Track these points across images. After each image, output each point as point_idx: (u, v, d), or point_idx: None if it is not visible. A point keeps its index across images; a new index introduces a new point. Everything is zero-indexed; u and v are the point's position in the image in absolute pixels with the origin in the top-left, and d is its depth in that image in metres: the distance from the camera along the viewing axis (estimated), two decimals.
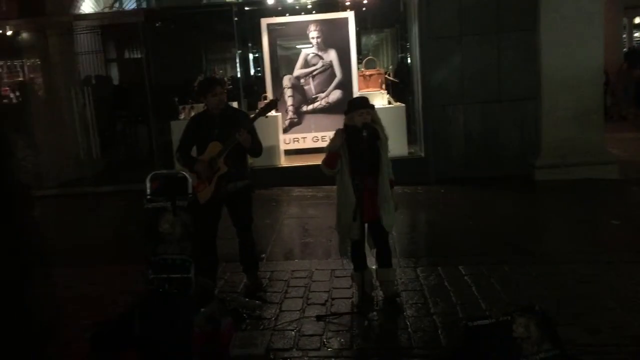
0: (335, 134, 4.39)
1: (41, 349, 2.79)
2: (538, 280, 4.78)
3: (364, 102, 4.43)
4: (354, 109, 4.34)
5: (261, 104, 9.06)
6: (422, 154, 8.82)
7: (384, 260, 4.52)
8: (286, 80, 9.37)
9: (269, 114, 4.85)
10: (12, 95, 12.01)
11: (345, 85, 9.29)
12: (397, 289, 4.61)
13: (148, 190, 4.16)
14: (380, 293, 4.60)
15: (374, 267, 4.72)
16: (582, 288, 4.57)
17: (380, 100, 8.93)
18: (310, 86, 9.36)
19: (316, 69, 9.30)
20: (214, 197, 4.62)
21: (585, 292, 4.49)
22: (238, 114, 4.91)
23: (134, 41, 11.78)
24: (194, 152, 4.81)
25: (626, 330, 3.86)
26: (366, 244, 4.56)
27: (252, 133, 4.66)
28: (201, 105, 9.08)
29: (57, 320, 3.28)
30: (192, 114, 8.83)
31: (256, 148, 4.72)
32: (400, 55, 11.40)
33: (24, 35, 10.21)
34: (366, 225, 4.46)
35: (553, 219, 6.92)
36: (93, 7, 11.44)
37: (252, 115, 4.78)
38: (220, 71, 15.54)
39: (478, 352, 3.23)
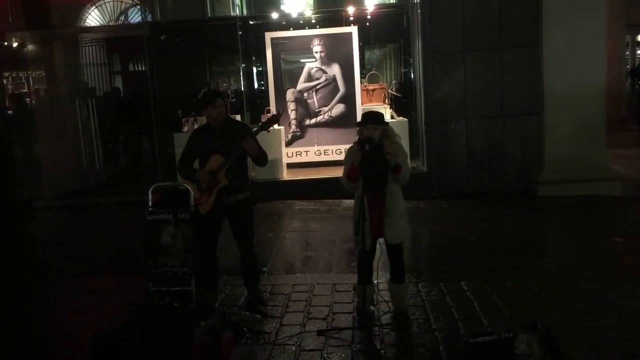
0: (352, 147, 4.40)
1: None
2: (540, 296, 4.75)
3: (371, 117, 4.42)
4: (362, 123, 4.35)
5: (264, 118, 9.09)
6: (425, 169, 8.82)
7: (395, 275, 4.51)
8: (289, 94, 9.41)
9: (271, 128, 4.87)
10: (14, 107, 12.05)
11: (349, 99, 9.33)
12: (406, 305, 4.57)
13: (150, 203, 4.16)
14: (381, 308, 4.58)
15: (375, 281, 4.71)
16: (584, 305, 4.54)
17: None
18: (314, 100, 9.40)
19: (319, 83, 9.35)
20: (213, 209, 4.62)
21: (588, 309, 4.46)
22: (239, 127, 4.92)
23: (138, 54, 11.87)
24: (196, 165, 4.81)
25: (629, 348, 3.83)
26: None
27: (256, 142, 4.69)
28: (204, 118, 9.16)
29: (53, 332, 3.28)
30: (196, 126, 8.88)
31: (262, 156, 4.73)
32: (403, 70, 11.43)
33: (30, 46, 10.29)
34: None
35: (556, 235, 6.89)
36: (98, 20, 11.53)
37: (254, 130, 4.80)
38: (224, 84, 15.60)
39: None
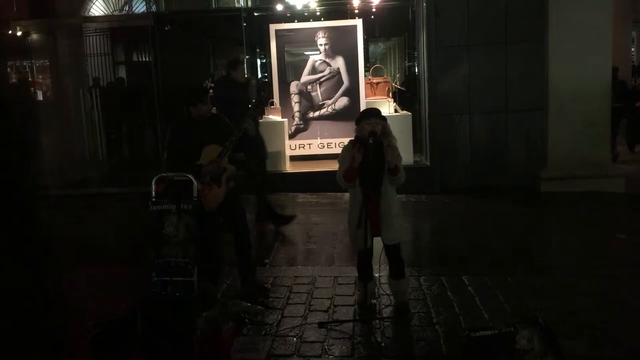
0: (348, 145, 4.37)
1: (49, 349, 2.80)
2: (542, 292, 4.76)
3: (374, 112, 4.41)
4: (364, 118, 4.32)
5: (267, 111, 9.08)
6: (428, 163, 8.81)
7: (394, 272, 4.50)
8: (293, 87, 9.39)
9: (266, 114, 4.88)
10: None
11: (352, 92, 9.30)
12: (406, 299, 4.57)
13: (153, 193, 4.17)
14: (382, 302, 4.59)
15: (377, 274, 4.71)
16: (585, 301, 4.54)
17: (386, 108, 8.93)
18: (317, 93, 9.38)
19: (323, 76, 9.32)
20: (226, 199, 4.61)
21: (589, 305, 4.47)
22: (220, 120, 4.86)
23: (142, 44, 11.85)
24: None
25: (629, 344, 3.84)
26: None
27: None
28: None
29: (64, 322, 3.29)
30: None
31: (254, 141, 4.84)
32: (407, 64, 11.41)
33: (34, 36, 10.28)
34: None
35: (558, 231, 6.89)
36: (103, 9, 11.51)
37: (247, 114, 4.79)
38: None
39: None
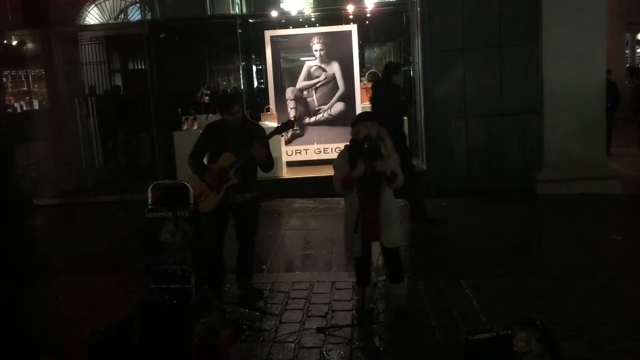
0: (343, 151, 4.37)
1: (38, 356, 2.79)
2: (539, 294, 4.76)
3: (369, 116, 4.43)
4: (360, 121, 4.33)
5: (263, 117, 9.09)
6: (424, 167, 8.82)
7: (392, 276, 4.49)
8: (289, 92, 9.41)
9: (284, 133, 4.89)
10: (16, 105, 12.10)
11: (348, 97, 9.33)
12: (405, 303, 4.57)
13: (149, 200, 4.17)
14: (380, 306, 4.59)
15: (375, 279, 4.71)
16: (583, 303, 4.55)
17: None
18: (313, 98, 9.40)
19: (319, 81, 9.35)
20: (219, 207, 4.63)
21: (587, 307, 4.47)
22: (255, 129, 4.92)
23: (138, 52, 11.86)
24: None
25: (627, 346, 3.84)
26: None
27: (266, 148, 4.72)
28: (204, 116, 9.14)
29: (53, 329, 3.29)
30: (195, 125, 8.89)
31: (269, 163, 4.77)
32: (402, 69, 11.43)
33: (29, 45, 10.27)
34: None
35: (555, 233, 6.89)
36: (98, 18, 11.53)
37: (268, 133, 4.83)
38: (224, 82, 15.61)
39: None
